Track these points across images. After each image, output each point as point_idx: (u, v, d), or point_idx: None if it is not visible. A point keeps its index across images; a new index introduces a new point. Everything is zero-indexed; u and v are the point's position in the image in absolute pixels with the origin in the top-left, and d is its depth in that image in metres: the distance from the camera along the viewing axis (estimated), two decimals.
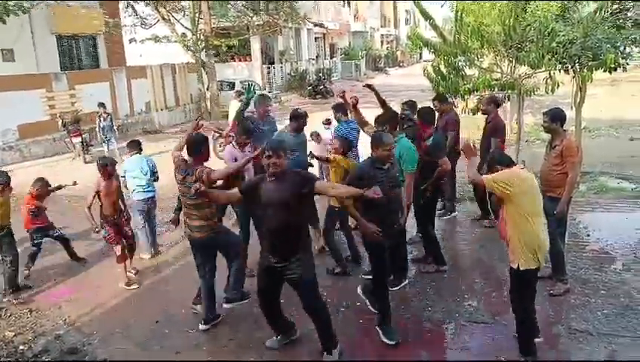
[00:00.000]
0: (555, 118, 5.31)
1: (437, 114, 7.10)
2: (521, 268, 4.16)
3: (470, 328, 4.94)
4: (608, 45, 7.64)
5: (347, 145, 6.10)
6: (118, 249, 6.07)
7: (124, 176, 6.77)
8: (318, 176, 6.69)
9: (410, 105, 7.04)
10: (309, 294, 4.36)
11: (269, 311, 4.57)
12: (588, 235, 7.00)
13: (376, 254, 4.72)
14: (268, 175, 4.15)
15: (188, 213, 4.95)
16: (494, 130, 7.21)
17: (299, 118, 6.38)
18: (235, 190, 4.37)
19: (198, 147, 4.89)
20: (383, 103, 6.26)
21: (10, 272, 6.05)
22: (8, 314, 5.59)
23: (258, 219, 4.40)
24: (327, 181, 6.54)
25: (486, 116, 7.42)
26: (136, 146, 7.05)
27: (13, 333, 5.21)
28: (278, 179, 4.10)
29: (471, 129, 10.56)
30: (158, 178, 7.05)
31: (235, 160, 5.57)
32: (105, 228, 6.07)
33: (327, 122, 8.80)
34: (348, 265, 6.14)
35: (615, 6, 8.14)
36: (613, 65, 7.55)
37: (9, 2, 11.59)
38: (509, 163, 4.30)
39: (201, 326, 5.09)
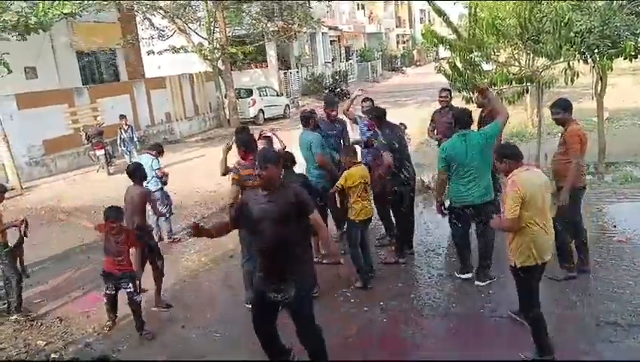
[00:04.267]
0: (565, 108, 5.35)
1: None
2: (518, 266, 4.17)
3: (495, 324, 4.91)
4: (627, 33, 7.51)
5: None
6: None
7: None
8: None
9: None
10: (305, 320, 4.00)
11: (265, 339, 4.12)
12: (614, 226, 6.87)
13: None
14: (261, 189, 3.85)
15: None
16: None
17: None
18: (225, 219, 3.86)
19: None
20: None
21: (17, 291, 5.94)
22: (39, 324, 5.71)
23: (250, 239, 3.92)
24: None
25: (482, 109, 7.34)
26: (153, 147, 8.01)
27: (45, 342, 5.32)
28: (270, 192, 3.79)
29: None
30: (157, 175, 7.68)
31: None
32: None
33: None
34: (370, 280, 5.89)
35: None
36: (633, 53, 7.42)
37: (30, 20, 11.85)
38: (517, 157, 4.23)
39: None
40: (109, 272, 5.24)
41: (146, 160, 7.72)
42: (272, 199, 3.77)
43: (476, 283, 5.62)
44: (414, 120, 12.46)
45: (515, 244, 4.16)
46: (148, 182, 7.49)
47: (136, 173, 5.90)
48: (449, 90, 7.85)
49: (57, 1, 12.32)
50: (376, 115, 6.33)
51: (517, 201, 4.03)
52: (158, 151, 7.92)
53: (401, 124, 6.93)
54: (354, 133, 7.50)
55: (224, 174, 5.88)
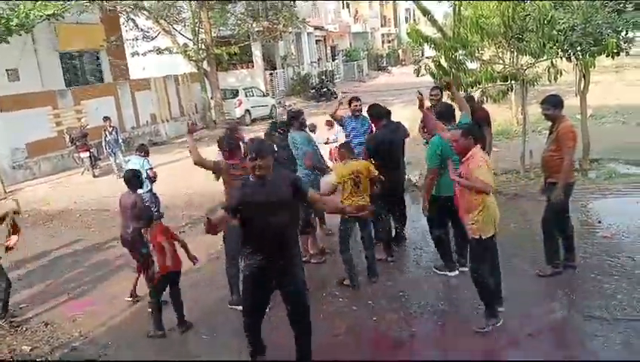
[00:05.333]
0: (556, 105, 5.36)
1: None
2: (483, 237, 4.60)
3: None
4: (609, 30, 7.60)
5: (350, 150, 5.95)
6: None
7: None
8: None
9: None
10: (304, 300, 4.11)
11: (257, 328, 4.16)
12: (599, 222, 6.94)
13: None
14: (254, 178, 3.85)
15: None
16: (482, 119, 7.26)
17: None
18: (222, 213, 3.77)
19: None
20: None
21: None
22: (24, 329, 5.62)
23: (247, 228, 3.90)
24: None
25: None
26: (140, 149, 8.02)
27: (30, 347, 5.24)
28: (267, 181, 3.82)
29: None
30: (148, 176, 7.60)
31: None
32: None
33: (329, 124, 8.79)
34: (358, 279, 5.81)
35: None
36: (615, 50, 7.51)
37: (11, 22, 11.70)
38: (478, 138, 4.78)
39: None
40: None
41: (136, 161, 7.72)
42: (272, 185, 3.82)
43: (461, 269, 5.75)
44: (401, 119, 12.42)
45: (481, 220, 4.57)
46: None
47: (133, 180, 5.92)
48: (439, 89, 7.81)
49: (39, 3, 12.18)
50: (373, 114, 6.41)
51: (491, 173, 4.56)
52: (146, 151, 7.94)
53: None
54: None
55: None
